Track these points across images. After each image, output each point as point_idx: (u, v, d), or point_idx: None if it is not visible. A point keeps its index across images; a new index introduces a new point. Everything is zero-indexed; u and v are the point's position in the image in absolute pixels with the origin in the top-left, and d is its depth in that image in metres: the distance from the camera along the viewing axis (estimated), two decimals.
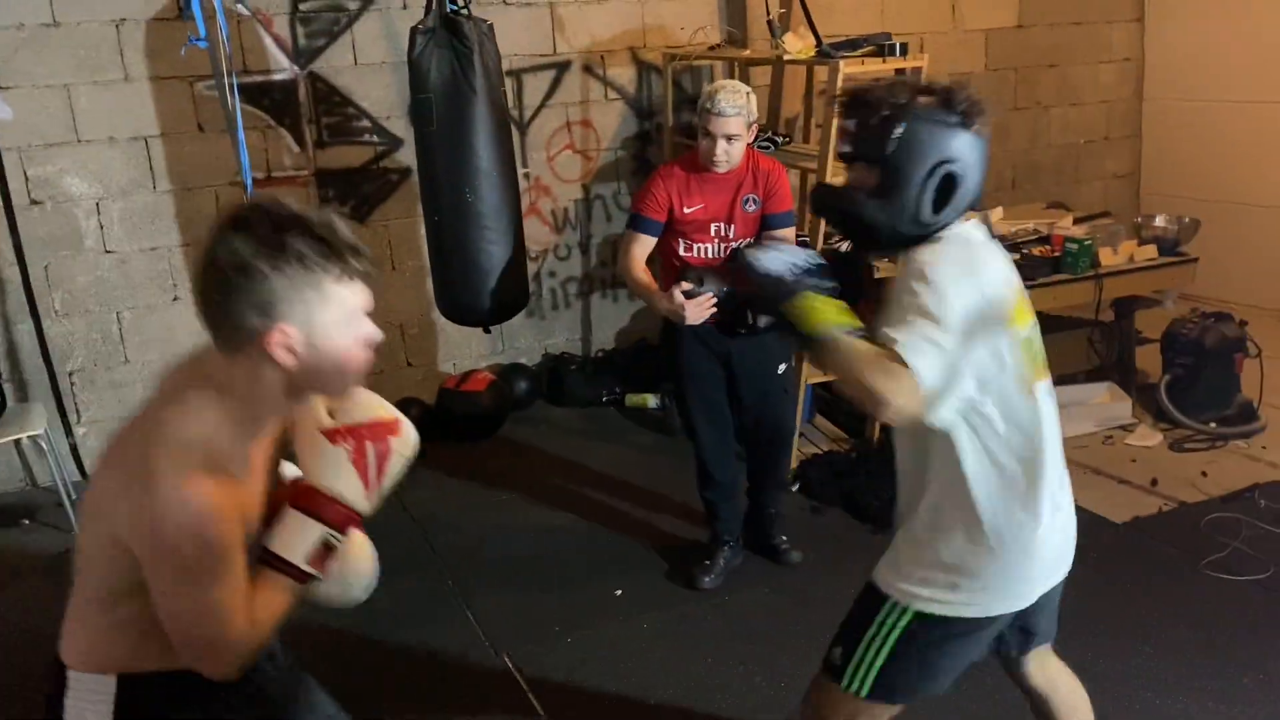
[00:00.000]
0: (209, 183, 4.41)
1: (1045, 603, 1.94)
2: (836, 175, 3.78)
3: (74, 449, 4.31)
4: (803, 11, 3.95)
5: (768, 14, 4.20)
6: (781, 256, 1.87)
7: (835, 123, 1.83)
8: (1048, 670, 2.13)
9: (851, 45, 3.81)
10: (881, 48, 3.76)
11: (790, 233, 3.29)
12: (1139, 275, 4.47)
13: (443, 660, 3.10)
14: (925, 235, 1.78)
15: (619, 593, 3.41)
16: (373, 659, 3.14)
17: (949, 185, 1.74)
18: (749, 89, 3.15)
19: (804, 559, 3.54)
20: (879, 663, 1.86)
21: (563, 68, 4.97)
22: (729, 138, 3.06)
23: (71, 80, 4.14)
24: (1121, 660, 2.86)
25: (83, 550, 1.45)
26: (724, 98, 3.04)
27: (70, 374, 4.35)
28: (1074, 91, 6.20)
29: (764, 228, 3.23)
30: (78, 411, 4.39)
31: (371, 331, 1.45)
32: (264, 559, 1.44)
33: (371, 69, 4.61)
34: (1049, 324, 4.50)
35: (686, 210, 3.17)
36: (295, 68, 4.48)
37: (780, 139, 4.36)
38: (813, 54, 3.89)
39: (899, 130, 1.71)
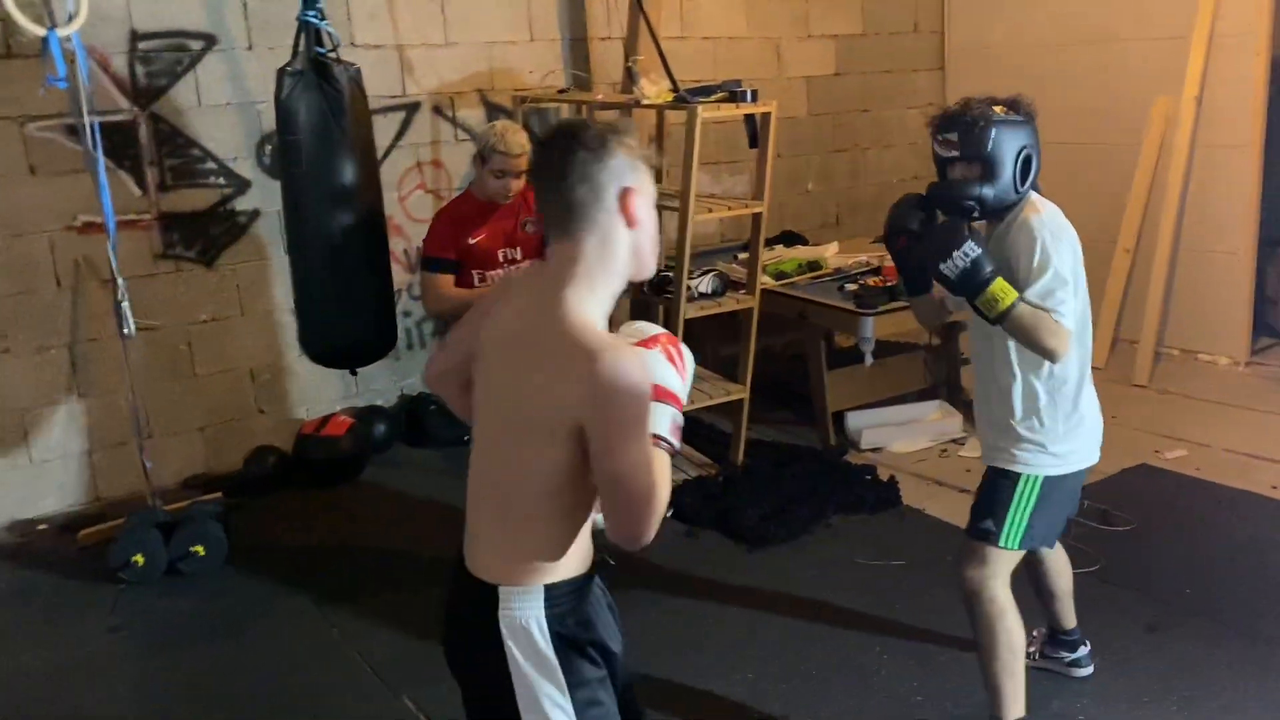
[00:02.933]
0: (42, 228, 4.17)
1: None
2: (698, 214, 3.99)
3: None
4: (659, 59, 4.15)
5: (626, 61, 4.40)
6: None
7: (937, 138, 2.48)
8: None
9: (705, 91, 4.03)
10: (733, 94, 4.00)
11: None
12: None
13: (345, 709, 3.05)
14: (1017, 201, 2.45)
15: None
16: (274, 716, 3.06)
17: (1028, 164, 2.43)
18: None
19: (618, 564, 3.65)
20: (1025, 521, 2.56)
21: (412, 109, 4.99)
22: (519, 174, 3.38)
23: None
24: None
25: (511, 470, 1.68)
26: (514, 138, 3.35)
27: None
28: (886, 134, 6.71)
29: (545, 246, 3.46)
30: None
31: None
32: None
33: (216, 110, 4.50)
34: (887, 349, 4.87)
35: (471, 241, 3.46)
36: (135, 108, 4.31)
37: None
38: (670, 99, 4.08)
39: (993, 133, 2.39)
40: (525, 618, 1.70)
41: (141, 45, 4.30)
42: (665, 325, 4.64)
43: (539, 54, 5.29)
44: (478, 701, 1.83)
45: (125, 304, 3.45)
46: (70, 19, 3.48)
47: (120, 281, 3.57)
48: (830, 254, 5.26)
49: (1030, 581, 2.91)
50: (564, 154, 1.64)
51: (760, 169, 4.12)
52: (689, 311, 4.07)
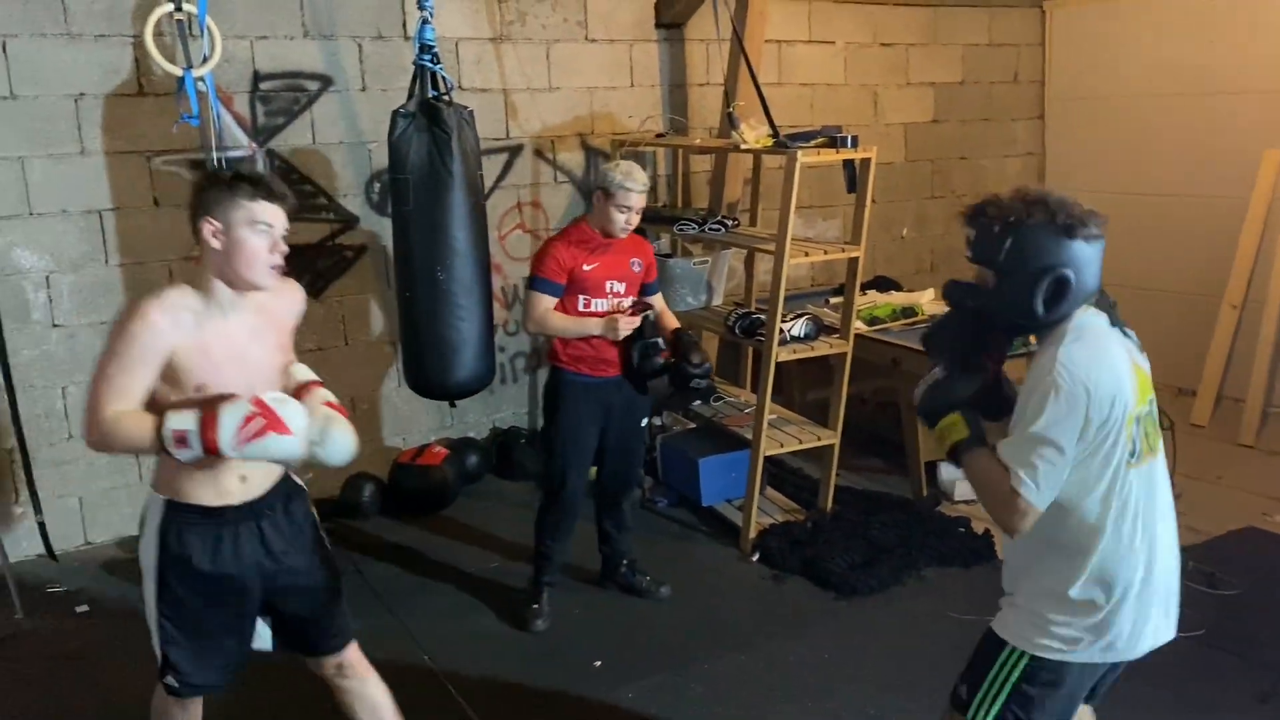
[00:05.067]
0: (163, 257, 4.38)
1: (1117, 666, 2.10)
2: (794, 257, 4.01)
3: (41, 526, 4.13)
4: (760, 104, 4.20)
5: (726, 106, 4.45)
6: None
7: (964, 232, 2.08)
8: None
9: (805, 137, 4.05)
10: (833, 140, 4.01)
11: (659, 298, 3.77)
12: None
13: None
14: (1047, 324, 1.99)
15: (598, 664, 3.45)
16: None
17: (1061, 287, 1.95)
18: None
19: (672, 593, 3.87)
20: (1000, 700, 2.06)
21: (515, 151, 5.12)
22: (639, 210, 3.50)
23: (26, 153, 4.09)
24: None
25: None
26: (637, 177, 3.47)
27: (9, 450, 4.21)
28: (983, 182, 6.65)
29: (641, 293, 3.68)
30: (16, 491, 4.24)
31: (275, 239, 2.16)
32: (159, 415, 2.06)
33: (329, 148, 4.68)
34: None
35: (585, 269, 3.53)
36: (254, 145, 4.51)
37: (730, 222, 4.56)
38: (769, 144, 4.12)
39: (1009, 242, 1.96)
40: (151, 515, 2.25)
41: (262, 86, 4.50)
42: (755, 368, 4.65)
43: (639, 99, 5.40)
44: None
45: None
46: (205, 60, 3.68)
47: None
48: (926, 300, 5.22)
49: None
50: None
51: (858, 214, 4.13)
52: (781, 354, 4.08)
